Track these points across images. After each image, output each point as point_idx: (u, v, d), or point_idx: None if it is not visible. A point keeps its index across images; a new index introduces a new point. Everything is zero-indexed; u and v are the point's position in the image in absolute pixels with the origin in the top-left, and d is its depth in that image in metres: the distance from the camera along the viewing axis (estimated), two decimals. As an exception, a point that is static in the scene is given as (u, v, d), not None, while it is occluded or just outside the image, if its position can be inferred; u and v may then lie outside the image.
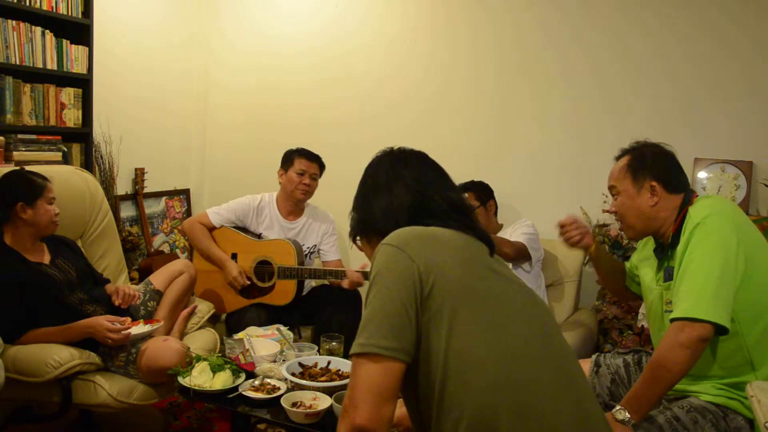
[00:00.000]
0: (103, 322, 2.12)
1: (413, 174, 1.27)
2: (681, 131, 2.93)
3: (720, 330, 1.54)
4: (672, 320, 1.58)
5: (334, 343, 2.22)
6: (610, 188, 1.85)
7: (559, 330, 1.20)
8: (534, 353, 1.08)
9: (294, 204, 2.96)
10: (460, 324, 1.03)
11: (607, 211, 2.97)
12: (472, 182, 2.94)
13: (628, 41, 3.00)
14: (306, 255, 2.96)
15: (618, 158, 1.85)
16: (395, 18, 3.48)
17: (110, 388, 2.09)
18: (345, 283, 2.67)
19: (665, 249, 1.78)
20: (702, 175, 2.83)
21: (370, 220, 1.27)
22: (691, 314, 1.53)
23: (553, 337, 1.16)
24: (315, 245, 3.02)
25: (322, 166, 2.96)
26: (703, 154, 2.84)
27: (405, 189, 1.24)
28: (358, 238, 1.30)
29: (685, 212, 1.71)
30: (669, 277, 1.72)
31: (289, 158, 2.94)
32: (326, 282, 2.97)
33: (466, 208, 1.26)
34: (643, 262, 1.92)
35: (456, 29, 3.34)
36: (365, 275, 2.62)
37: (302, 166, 2.89)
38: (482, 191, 2.91)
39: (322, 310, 2.83)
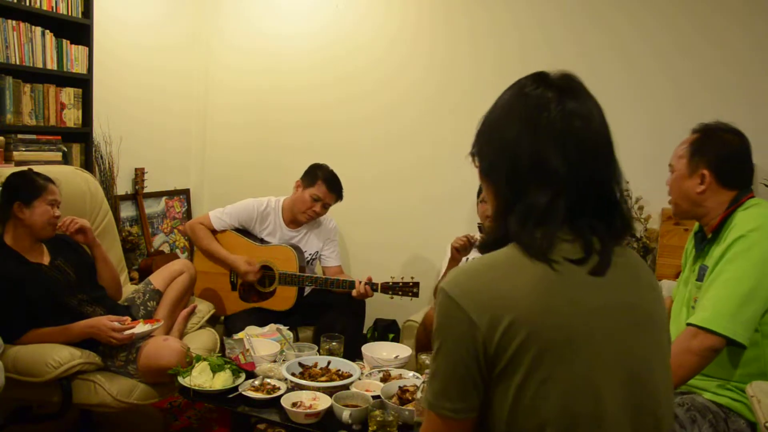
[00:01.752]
0: (106, 322, 2.13)
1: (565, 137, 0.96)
2: (680, 131, 2.89)
3: (734, 344, 1.53)
4: (688, 324, 1.58)
5: (334, 343, 2.23)
6: (670, 163, 1.83)
7: (662, 371, 1.01)
8: (609, 417, 0.93)
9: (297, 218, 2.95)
10: (531, 380, 0.91)
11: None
12: None
13: (628, 42, 3.00)
14: (308, 261, 2.95)
15: (693, 131, 1.81)
16: (395, 18, 3.48)
17: (110, 388, 2.09)
18: (353, 293, 2.66)
19: (704, 241, 1.76)
20: (702, 175, 2.83)
21: (488, 163, 1.03)
22: (707, 324, 1.53)
23: (646, 387, 0.97)
24: (317, 251, 3.01)
25: (340, 198, 2.91)
26: (703, 154, 2.84)
27: (547, 145, 0.95)
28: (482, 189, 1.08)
29: (731, 211, 1.67)
30: (701, 277, 1.70)
31: (313, 177, 2.87)
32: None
33: (602, 194, 0.97)
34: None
35: (456, 29, 3.34)
36: (373, 287, 2.62)
37: (320, 193, 2.83)
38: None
39: (325, 312, 2.82)
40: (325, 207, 2.89)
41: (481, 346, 0.92)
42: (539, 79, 1.01)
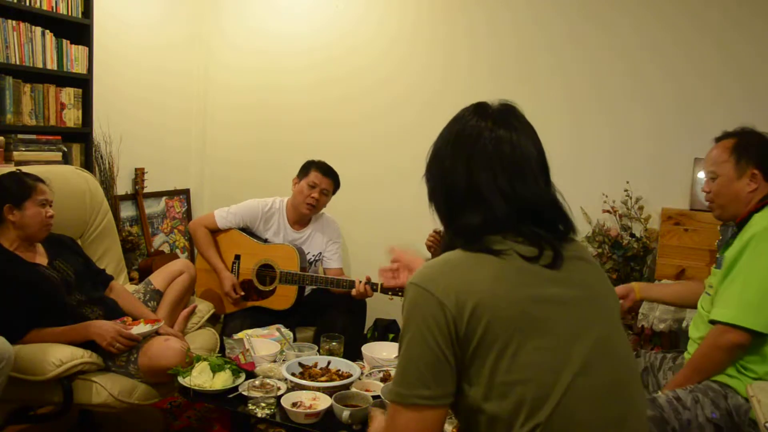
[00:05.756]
0: (113, 326, 2.13)
1: (490, 155, 1.07)
2: (679, 131, 2.94)
3: (759, 335, 1.62)
4: (713, 321, 1.67)
5: (334, 343, 2.23)
6: (707, 171, 1.86)
7: (621, 345, 1.08)
8: (577, 390, 0.98)
9: (301, 214, 2.95)
10: (503, 357, 0.97)
11: (607, 211, 2.99)
12: None
13: (627, 42, 3.00)
14: (311, 262, 2.96)
15: (719, 139, 1.87)
16: (394, 17, 3.48)
17: (111, 388, 2.09)
18: (353, 292, 2.66)
19: (732, 232, 1.83)
20: (702, 175, 2.83)
21: (431, 188, 1.15)
22: (733, 321, 1.62)
23: (610, 359, 1.03)
24: (320, 252, 3.01)
25: (336, 183, 2.95)
26: (703, 154, 2.83)
27: (481, 170, 1.07)
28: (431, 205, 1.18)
29: (760, 207, 1.75)
30: (719, 264, 1.78)
31: (306, 168, 2.93)
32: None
33: (535, 208, 1.07)
34: None
35: (455, 29, 3.34)
36: (373, 287, 2.62)
37: (315, 179, 2.88)
38: None
39: (325, 312, 2.82)
40: (324, 194, 2.90)
41: (452, 326, 0.98)
42: (478, 109, 1.14)
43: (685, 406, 1.62)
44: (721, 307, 1.67)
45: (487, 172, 1.06)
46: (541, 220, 1.07)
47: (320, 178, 2.88)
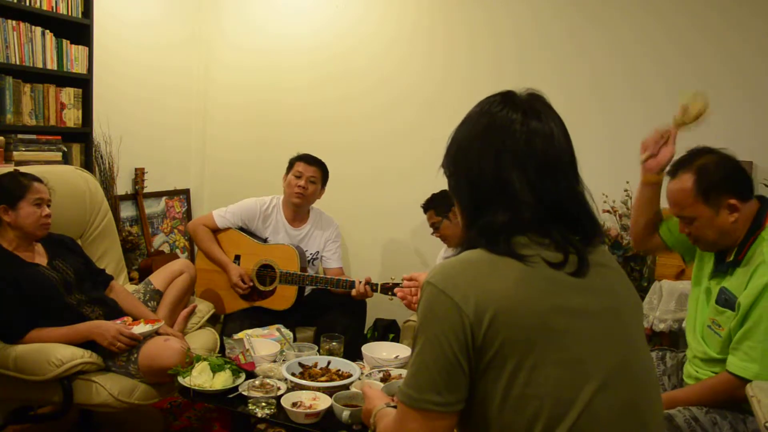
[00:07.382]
0: (114, 325, 2.13)
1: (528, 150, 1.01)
2: (678, 132, 2.93)
3: None
4: (733, 373, 1.58)
5: (334, 343, 2.23)
6: (679, 216, 1.73)
7: (640, 364, 1.03)
8: (598, 407, 0.95)
9: (295, 209, 2.95)
10: (521, 369, 0.93)
11: (607, 211, 2.99)
12: (430, 199, 2.87)
13: (625, 42, 3.00)
14: (309, 261, 2.96)
15: (673, 174, 1.74)
16: (394, 17, 3.48)
17: (111, 388, 2.09)
18: (353, 293, 2.66)
19: (724, 259, 1.71)
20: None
21: (454, 182, 1.10)
22: (756, 378, 1.52)
23: (629, 378, 0.99)
24: (318, 251, 3.02)
25: (323, 171, 2.95)
26: (703, 154, 2.84)
27: (511, 167, 1.01)
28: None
29: (757, 234, 1.63)
30: (724, 302, 1.67)
31: (291, 163, 2.96)
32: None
33: (563, 207, 1.03)
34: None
35: (454, 29, 3.34)
36: (372, 288, 2.62)
37: (300, 168, 2.90)
38: (441, 204, 2.82)
39: (325, 312, 2.82)
40: (312, 182, 2.90)
41: (469, 333, 0.94)
42: (506, 99, 1.07)
43: (704, 428, 1.56)
44: (743, 360, 1.57)
45: (518, 168, 1.00)
46: (567, 220, 1.03)
47: (305, 167, 2.90)
